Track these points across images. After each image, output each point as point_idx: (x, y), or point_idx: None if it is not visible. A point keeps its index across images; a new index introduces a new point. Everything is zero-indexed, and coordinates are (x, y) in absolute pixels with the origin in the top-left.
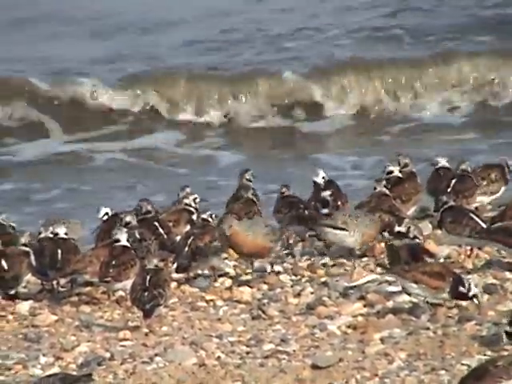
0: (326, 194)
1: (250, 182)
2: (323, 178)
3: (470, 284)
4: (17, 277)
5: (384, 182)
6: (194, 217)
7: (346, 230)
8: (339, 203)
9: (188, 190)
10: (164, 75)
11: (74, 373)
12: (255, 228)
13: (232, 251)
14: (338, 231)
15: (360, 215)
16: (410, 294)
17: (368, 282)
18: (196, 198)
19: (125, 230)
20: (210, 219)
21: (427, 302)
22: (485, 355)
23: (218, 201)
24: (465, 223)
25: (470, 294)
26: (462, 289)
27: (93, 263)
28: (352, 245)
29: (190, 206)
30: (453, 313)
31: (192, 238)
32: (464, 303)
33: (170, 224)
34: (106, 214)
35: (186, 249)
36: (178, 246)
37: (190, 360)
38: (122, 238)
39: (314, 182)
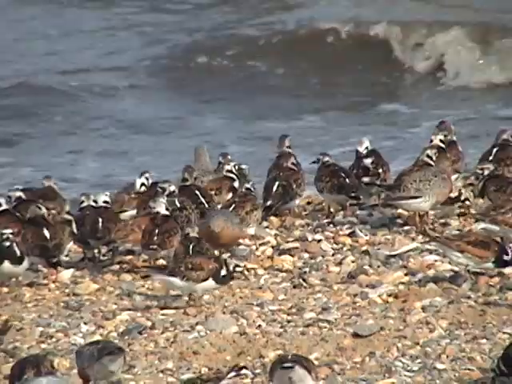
0: (368, 161)
1: (290, 148)
2: (366, 147)
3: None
4: (59, 245)
5: (429, 152)
6: (236, 184)
7: (420, 197)
8: (380, 171)
9: (228, 156)
10: None
11: (116, 341)
12: (232, 219)
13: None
14: (412, 200)
15: (432, 177)
16: (450, 263)
17: (409, 250)
18: (236, 165)
19: (163, 199)
20: (252, 188)
21: (468, 271)
22: None
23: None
24: (509, 192)
25: None
26: (505, 257)
27: (134, 231)
28: (428, 208)
29: (232, 172)
30: (494, 281)
31: (233, 206)
32: (506, 271)
33: (212, 192)
34: (143, 184)
35: None
36: None
37: (231, 328)
38: (161, 208)
39: (356, 151)
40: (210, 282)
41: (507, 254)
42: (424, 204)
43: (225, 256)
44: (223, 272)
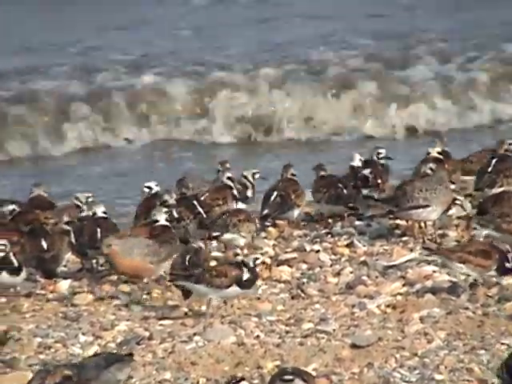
0: (367, 171)
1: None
2: (360, 159)
3: None
4: (57, 256)
5: (431, 165)
6: (235, 192)
7: (429, 206)
8: (379, 181)
9: (227, 164)
10: None
11: (114, 351)
12: (134, 249)
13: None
14: (421, 210)
15: (436, 186)
16: (448, 274)
17: (407, 261)
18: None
19: (164, 209)
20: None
21: (467, 282)
22: None
23: None
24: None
25: None
26: (508, 265)
27: None
28: (435, 217)
29: (231, 180)
30: (492, 292)
31: (227, 214)
32: (504, 282)
33: (220, 202)
34: (149, 187)
35: (219, 220)
36: (213, 222)
37: (229, 339)
38: (161, 217)
39: (351, 167)
40: (235, 288)
41: (509, 262)
42: (433, 213)
43: (240, 258)
44: (245, 276)
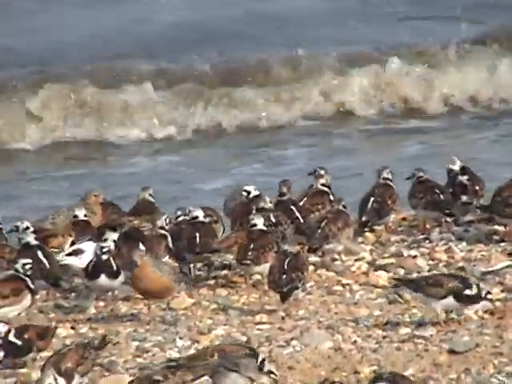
0: (464, 178)
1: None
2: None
3: None
4: None
5: None
6: (331, 197)
7: None
8: (477, 188)
9: (323, 171)
10: None
11: None
12: (161, 266)
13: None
14: None
15: None
16: None
17: (506, 266)
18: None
19: (262, 214)
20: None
21: None
22: None
23: None
24: None
25: None
26: None
27: (237, 244)
28: None
29: (326, 186)
30: None
31: (326, 221)
32: None
33: (319, 207)
34: (247, 191)
35: (319, 231)
36: (310, 228)
37: (326, 344)
38: (259, 222)
39: (449, 170)
40: (449, 300)
41: None
42: None
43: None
44: (468, 292)
